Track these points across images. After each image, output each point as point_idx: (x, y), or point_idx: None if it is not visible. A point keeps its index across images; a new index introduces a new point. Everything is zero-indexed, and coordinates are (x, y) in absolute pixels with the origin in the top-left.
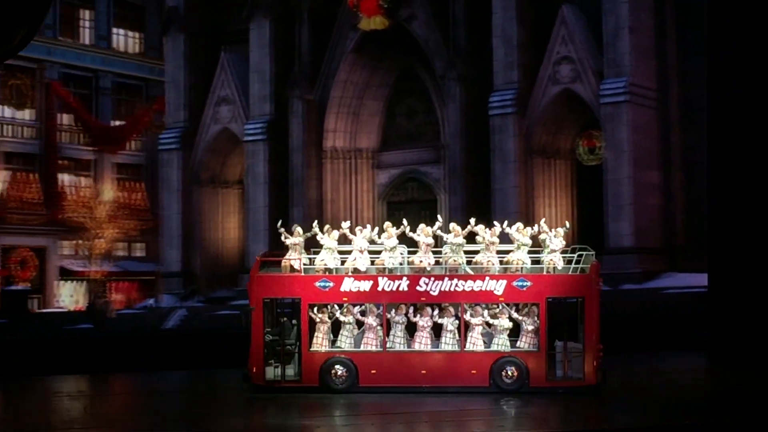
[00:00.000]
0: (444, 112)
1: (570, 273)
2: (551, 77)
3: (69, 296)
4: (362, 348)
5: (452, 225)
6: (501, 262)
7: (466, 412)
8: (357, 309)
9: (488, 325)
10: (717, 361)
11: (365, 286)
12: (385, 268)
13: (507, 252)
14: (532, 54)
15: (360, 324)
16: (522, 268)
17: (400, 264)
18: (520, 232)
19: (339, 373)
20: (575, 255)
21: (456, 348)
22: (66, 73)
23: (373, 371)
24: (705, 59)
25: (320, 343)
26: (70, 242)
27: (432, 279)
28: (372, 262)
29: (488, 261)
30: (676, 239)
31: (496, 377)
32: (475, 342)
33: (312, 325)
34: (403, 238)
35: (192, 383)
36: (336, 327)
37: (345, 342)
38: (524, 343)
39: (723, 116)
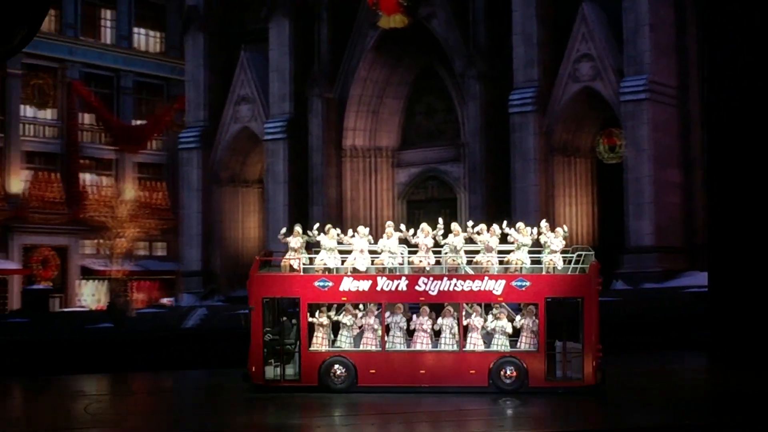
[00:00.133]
0: (464, 111)
1: (569, 273)
2: (571, 75)
3: (90, 295)
4: (361, 348)
5: (453, 225)
6: (501, 262)
7: (465, 411)
8: (359, 315)
9: (485, 328)
10: (717, 361)
11: (364, 285)
12: (384, 268)
13: (507, 252)
14: (552, 52)
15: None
16: (521, 268)
17: (400, 264)
18: (521, 232)
19: (338, 372)
20: (574, 255)
21: (455, 348)
22: (87, 73)
23: (372, 371)
24: (704, 59)
25: (320, 342)
26: (91, 241)
27: (431, 279)
28: (372, 262)
29: (488, 261)
30: (696, 238)
31: (495, 377)
32: (475, 342)
33: (312, 324)
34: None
35: (199, 382)
36: (336, 327)
37: (344, 342)
38: (523, 343)
39: (719, 117)
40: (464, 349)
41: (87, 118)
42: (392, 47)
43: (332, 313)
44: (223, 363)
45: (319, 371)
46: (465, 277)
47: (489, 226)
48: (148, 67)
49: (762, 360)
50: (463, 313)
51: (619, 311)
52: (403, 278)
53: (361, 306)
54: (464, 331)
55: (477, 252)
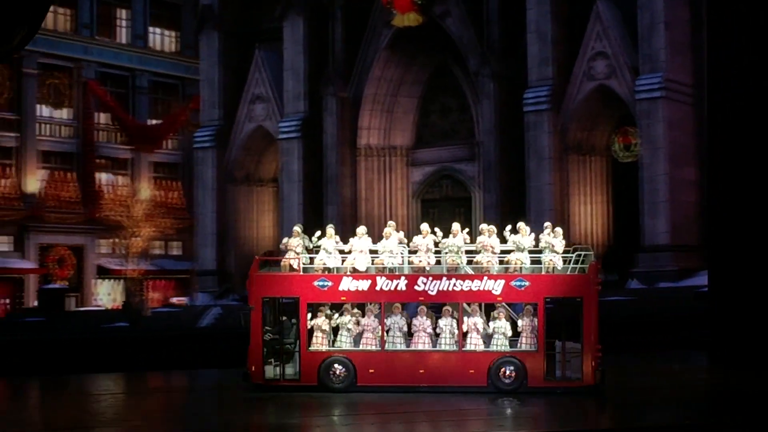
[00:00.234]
0: (478, 109)
1: (569, 273)
2: (586, 73)
3: (107, 294)
4: (361, 347)
5: (455, 225)
6: (501, 262)
7: (465, 411)
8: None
9: (485, 328)
10: (717, 361)
11: (363, 285)
12: (384, 268)
13: (507, 252)
14: (566, 50)
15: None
16: (521, 268)
17: (400, 264)
18: (520, 232)
19: (337, 372)
20: (573, 255)
21: (454, 348)
22: (103, 72)
23: (371, 370)
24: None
25: (319, 342)
26: (107, 241)
27: (430, 279)
28: (372, 262)
29: (488, 261)
30: None
31: (494, 377)
32: (474, 342)
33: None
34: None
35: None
36: (336, 326)
37: (344, 341)
38: (523, 343)
39: (723, 116)
40: (463, 348)
41: (103, 118)
42: (406, 46)
43: (332, 314)
44: (237, 362)
45: (319, 371)
46: (464, 277)
47: (504, 225)
48: (164, 66)
49: (762, 360)
50: (463, 313)
51: (631, 310)
52: (402, 278)
53: (357, 308)
54: (463, 330)
55: (477, 252)
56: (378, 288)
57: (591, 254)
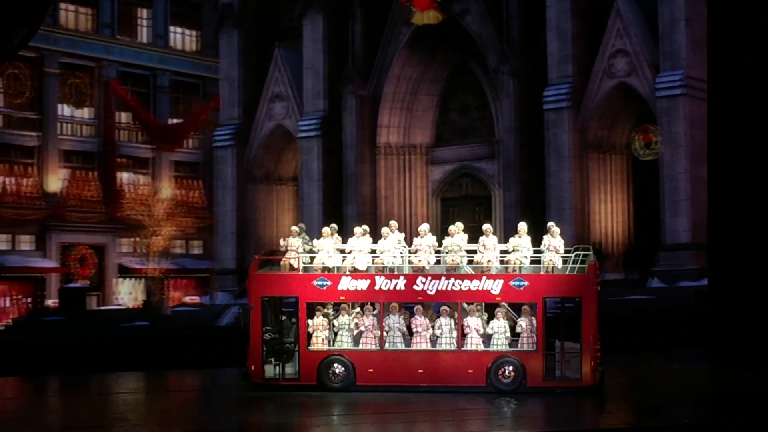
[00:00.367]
0: (498, 107)
1: (567, 273)
2: (606, 71)
3: (128, 293)
4: (360, 347)
5: (458, 225)
6: (502, 262)
7: (464, 411)
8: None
9: (483, 329)
10: (717, 361)
11: (362, 285)
12: (384, 268)
13: (507, 252)
14: (586, 47)
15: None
16: (520, 267)
17: (400, 264)
18: (519, 233)
19: (337, 371)
20: (572, 255)
21: (453, 348)
22: (124, 72)
23: (370, 370)
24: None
25: (319, 342)
26: (128, 240)
27: (429, 278)
28: (372, 262)
29: (488, 261)
30: None
31: (493, 377)
32: (473, 342)
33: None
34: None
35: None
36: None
37: (343, 341)
38: (522, 343)
39: (723, 116)
40: (462, 348)
41: (124, 117)
42: (426, 44)
43: (333, 314)
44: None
45: (318, 370)
46: (463, 276)
47: (520, 224)
48: (185, 65)
49: (762, 360)
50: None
51: (651, 309)
52: (402, 277)
53: (358, 307)
54: (462, 330)
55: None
56: (377, 288)
57: (591, 254)
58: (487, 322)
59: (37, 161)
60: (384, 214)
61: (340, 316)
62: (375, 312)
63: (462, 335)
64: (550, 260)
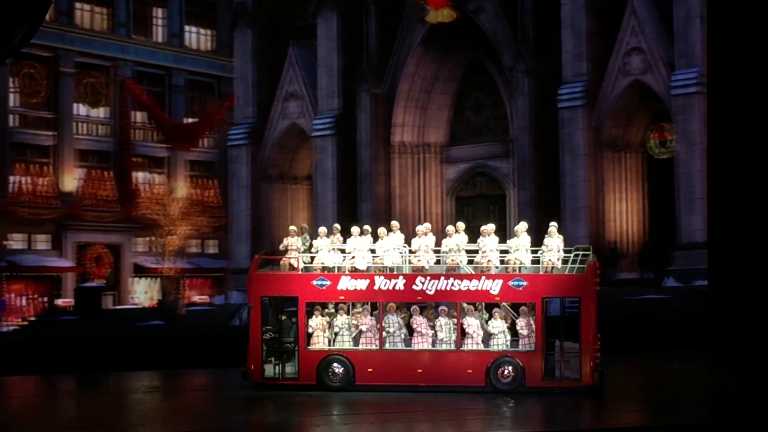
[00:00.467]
0: (512, 105)
1: (567, 273)
2: (621, 69)
3: (143, 293)
4: (359, 347)
5: (459, 225)
6: (502, 262)
7: (464, 411)
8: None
9: (483, 329)
10: (717, 361)
11: (362, 284)
12: (384, 267)
13: (506, 252)
14: (601, 45)
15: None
16: (520, 267)
17: (399, 264)
18: (516, 234)
19: (336, 371)
20: (571, 255)
21: (452, 347)
22: (139, 71)
23: (369, 370)
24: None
25: (318, 341)
26: (144, 239)
27: (428, 278)
28: (373, 261)
29: (488, 261)
30: None
31: (492, 377)
32: (472, 342)
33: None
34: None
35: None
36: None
37: (342, 341)
38: (521, 343)
39: (723, 115)
40: (462, 348)
41: (139, 117)
42: (440, 42)
43: (331, 312)
44: None
45: (318, 370)
46: (462, 276)
47: (538, 222)
48: (200, 65)
49: (762, 360)
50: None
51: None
52: (401, 277)
53: (359, 306)
54: (462, 330)
55: (477, 251)
56: (376, 287)
57: (590, 254)
58: (487, 322)
59: (52, 161)
60: (398, 213)
61: (339, 315)
62: (374, 312)
63: (462, 335)
64: (549, 260)
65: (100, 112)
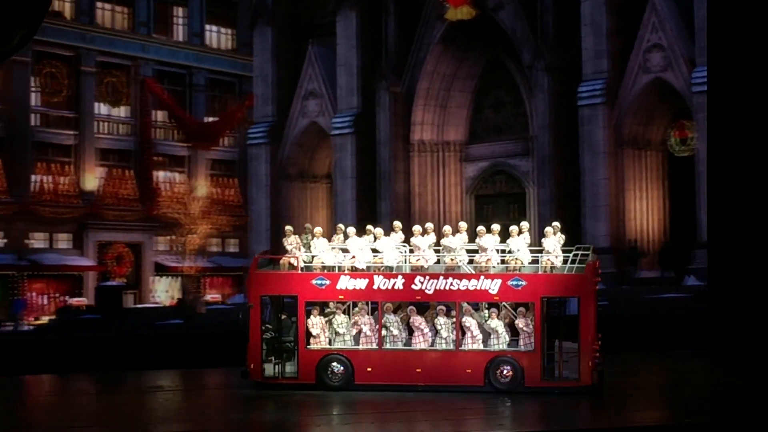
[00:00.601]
0: (532, 103)
1: (566, 272)
2: (641, 66)
3: (164, 292)
4: (359, 346)
5: (461, 224)
6: (503, 261)
7: (464, 410)
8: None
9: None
10: (717, 361)
11: (361, 284)
12: (384, 267)
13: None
14: (621, 42)
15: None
16: (520, 267)
17: (399, 263)
18: (512, 235)
19: (335, 370)
20: (570, 255)
21: (451, 347)
22: (160, 70)
23: (368, 369)
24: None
25: (317, 340)
26: (164, 238)
27: (427, 277)
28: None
29: (487, 260)
30: None
31: (491, 377)
32: (471, 341)
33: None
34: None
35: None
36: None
37: (342, 340)
38: (520, 343)
39: (723, 115)
40: (461, 348)
41: (160, 116)
42: (459, 39)
43: (332, 312)
44: None
45: (317, 369)
46: (461, 276)
47: (557, 220)
48: (220, 64)
49: (762, 360)
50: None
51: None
52: (400, 277)
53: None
54: (460, 329)
55: (476, 251)
56: (375, 287)
57: (590, 254)
58: (486, 321)
59: (74, 160)
60: (418, 211)
61: (337, 315)
62: (374, 311)
63: (461, 335)
64: (548, 260)
65: (121, 111)
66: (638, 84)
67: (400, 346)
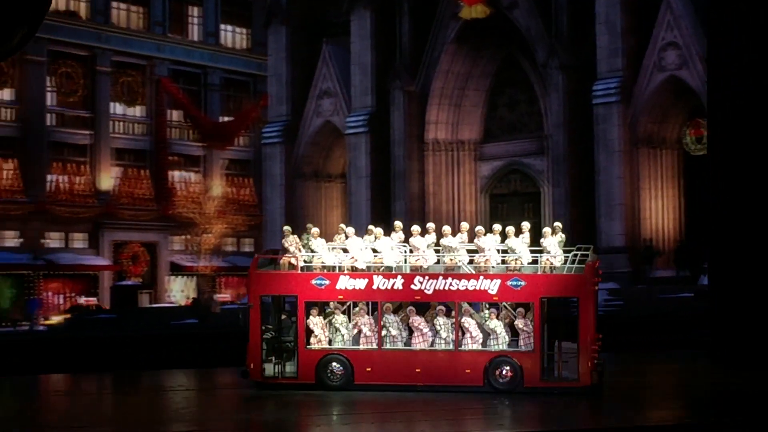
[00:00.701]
0: (546, 102)
1: (565, 273)
2: (656, 64)
3: (180, 291)
4: (358, 346)
5: (463, 225)
6: (503, 261)
7: (464, 410)
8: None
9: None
10: (717, 361)
11: (360, 284)
12: (384, 267)
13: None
14: (636, 40)
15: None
16: (519, 268)
17: (398, 263)
18: (508, 235)
19: (335, 370)
20: (570, 255)
21: (451, 347)
22: (175, 70)
23: (368, 369)
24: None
25: (317, 340)
26: (180, 238)
27: (426, 278)
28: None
29: (486, 260)
30: None
31: (491, 377)
32: (470, 342)
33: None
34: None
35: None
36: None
37: (342, 340)
38: (519, 343)
39: (723, 115)
40: (460, 348)
41: (175, 115)
42: (474, 38)
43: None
44: None
45: (317, 369)
46: (460, 276)
47: (572, 219)
48: (235, 63)
49: (762, 360)
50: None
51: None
52: (399, 277)
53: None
54: (459, 330)
55: (476, 251)
56: (375, 287)
57: (590, 254)
58: (486, 322)
59: (89, 159)
60: (432, 210)
61: (337, 315)
62: (373, 311)
63: (460, 335)
64: (548, 260)
65: (137, 111)
66: (653, 82)
67: (399, 346)
